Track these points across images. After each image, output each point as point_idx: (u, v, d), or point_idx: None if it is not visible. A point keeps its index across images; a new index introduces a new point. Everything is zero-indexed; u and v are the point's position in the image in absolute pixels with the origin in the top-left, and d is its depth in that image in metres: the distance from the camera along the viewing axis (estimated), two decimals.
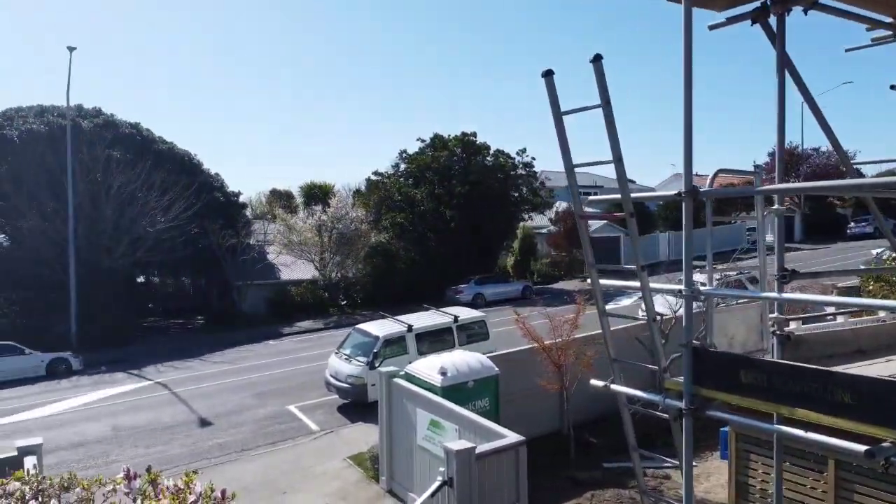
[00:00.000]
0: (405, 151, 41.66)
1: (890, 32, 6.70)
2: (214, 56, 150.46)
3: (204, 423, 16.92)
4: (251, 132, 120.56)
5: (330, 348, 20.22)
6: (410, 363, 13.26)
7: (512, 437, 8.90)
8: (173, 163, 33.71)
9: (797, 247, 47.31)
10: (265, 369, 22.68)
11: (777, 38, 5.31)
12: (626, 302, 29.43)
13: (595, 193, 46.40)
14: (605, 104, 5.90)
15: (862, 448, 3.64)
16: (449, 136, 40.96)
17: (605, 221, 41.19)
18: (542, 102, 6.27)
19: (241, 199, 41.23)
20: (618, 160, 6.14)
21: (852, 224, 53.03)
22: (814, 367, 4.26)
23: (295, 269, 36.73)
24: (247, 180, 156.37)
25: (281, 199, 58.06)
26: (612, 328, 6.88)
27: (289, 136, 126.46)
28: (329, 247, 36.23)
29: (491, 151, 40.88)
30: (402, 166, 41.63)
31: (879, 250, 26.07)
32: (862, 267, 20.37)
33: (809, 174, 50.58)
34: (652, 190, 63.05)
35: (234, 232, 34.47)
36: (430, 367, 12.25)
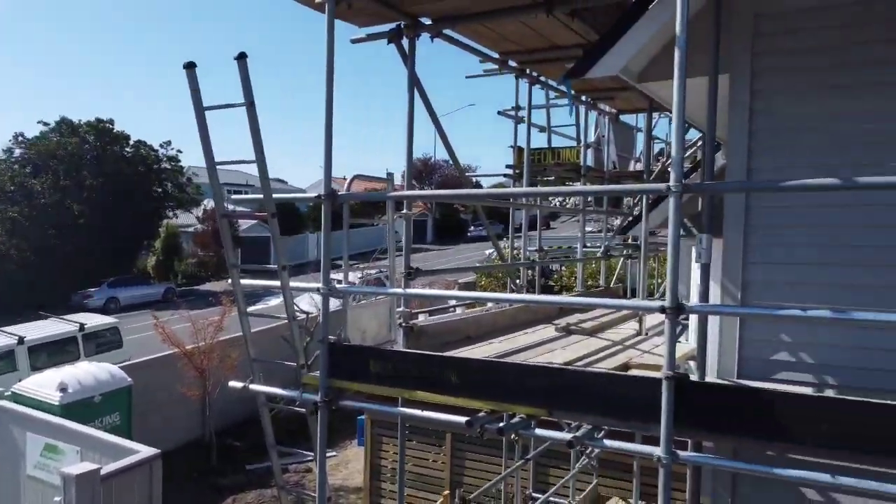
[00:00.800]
0: (22, 135, 35.71)
1: (496, 66, 7.91)
2: None
3: None
4: None
5: None
6: (21, 381, 11.41)
7: (145, 451, 8.26)
8: None
9: (428, 247, 52.76)
10: None
11: (408, 59, 5.86)
12: (274, 302, 29.43)
13: (246, 192, 45.59)
14: (250, 104, 5.85)
15: (463, 419, 4.22)
16: (80, 121, 36.27)
17: (258, 221, 40.74)
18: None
19: None
20: (261, 161, 6.14)
21: (472, 227, 61.17)
22: (429, 353, 4.81)
23: None
24: None
25: None
26: (259, 328, 6.86)
27: None
28: None
29: (131, 142, 37.35)
30: (18, 152, 35.56)
31: (491, 250, 30.60)
32: (477, 265, 23.60)
33: (440, 182, 56.93)
34: (303, 191, 64.37)
35: None
36: (46, 383, 10.69)
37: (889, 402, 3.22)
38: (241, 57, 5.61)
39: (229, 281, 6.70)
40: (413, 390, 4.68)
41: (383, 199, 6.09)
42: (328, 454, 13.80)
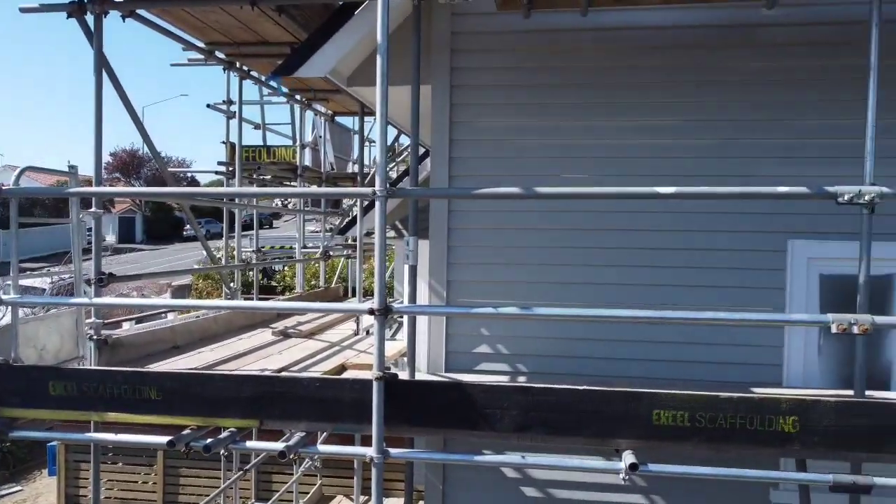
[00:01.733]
0: None
1: (202, 56, 7.41)
2: None
3: None
4: None
5: None
6: None
7: None
8: None
9: (138, 248, 48.22)
10: None
11: (94, 38, 5.18)
12: None
13: None
14: None
15: (165, 439, 3.85)
16: None
17: None
18: None
19: None
20: None
21: (188, 227, 57.32)
22: (123, 369, 4.30)
23: None
24: None
25: None
26: None
27: None
28: None
29: None
30: None
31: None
32: (196, 266, 22.11)
33: (151, 178, 52.33)
34: None
35: None
36: None
37: (566, 386, 3.64)
38: None
39: None
40: (105, 412, 4.17)
41: (64, 195, 5.32)
42: (12, 489, 11.85)
